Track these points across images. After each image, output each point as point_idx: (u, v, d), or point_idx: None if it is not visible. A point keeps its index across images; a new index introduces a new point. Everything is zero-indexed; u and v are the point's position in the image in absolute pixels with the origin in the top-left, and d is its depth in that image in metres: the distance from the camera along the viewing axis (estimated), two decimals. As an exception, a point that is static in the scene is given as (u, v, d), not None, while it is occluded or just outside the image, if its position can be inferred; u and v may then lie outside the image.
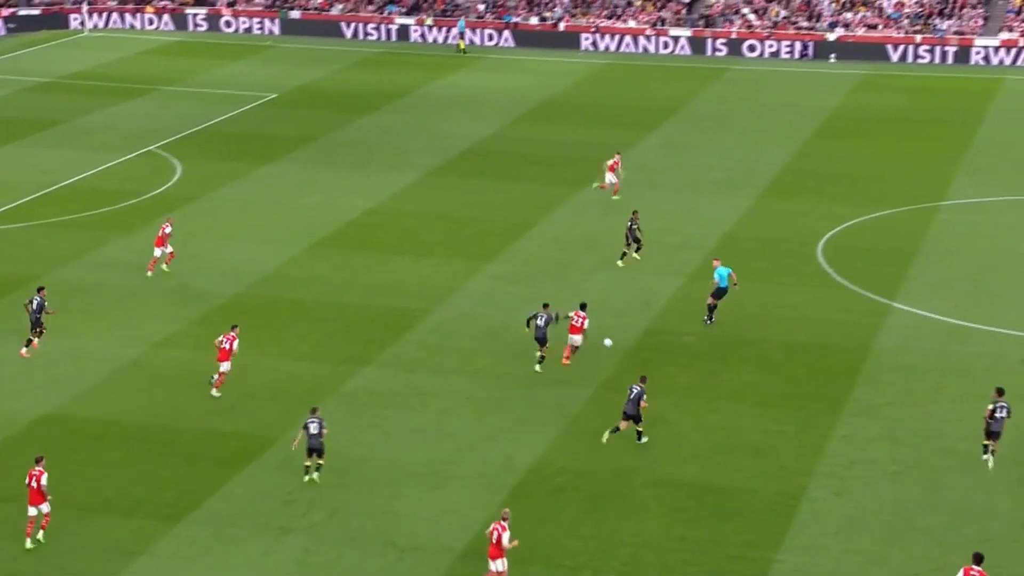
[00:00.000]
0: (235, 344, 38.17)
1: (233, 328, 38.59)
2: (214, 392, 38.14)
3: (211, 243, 51.11)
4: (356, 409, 37.90)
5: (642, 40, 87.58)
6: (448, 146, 64.37)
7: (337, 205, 55.51)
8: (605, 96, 75.48)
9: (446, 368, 40.46)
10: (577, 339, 39.77)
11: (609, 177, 55.62)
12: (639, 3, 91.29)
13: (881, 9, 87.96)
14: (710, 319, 43.14)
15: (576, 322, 39.65)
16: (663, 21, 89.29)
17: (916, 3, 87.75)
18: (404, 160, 61.95)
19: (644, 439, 35.52)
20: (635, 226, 48.38)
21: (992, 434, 34.15)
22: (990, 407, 34.15)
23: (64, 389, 39.11)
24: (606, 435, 35.55)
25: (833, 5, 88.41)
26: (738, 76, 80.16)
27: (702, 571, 30.17)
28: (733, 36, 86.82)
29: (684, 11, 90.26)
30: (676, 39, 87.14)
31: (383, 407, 38.05)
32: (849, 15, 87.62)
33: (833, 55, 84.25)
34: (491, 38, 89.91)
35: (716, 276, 43.07)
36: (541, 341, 39.65)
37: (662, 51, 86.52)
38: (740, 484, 33.78)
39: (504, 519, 29.25)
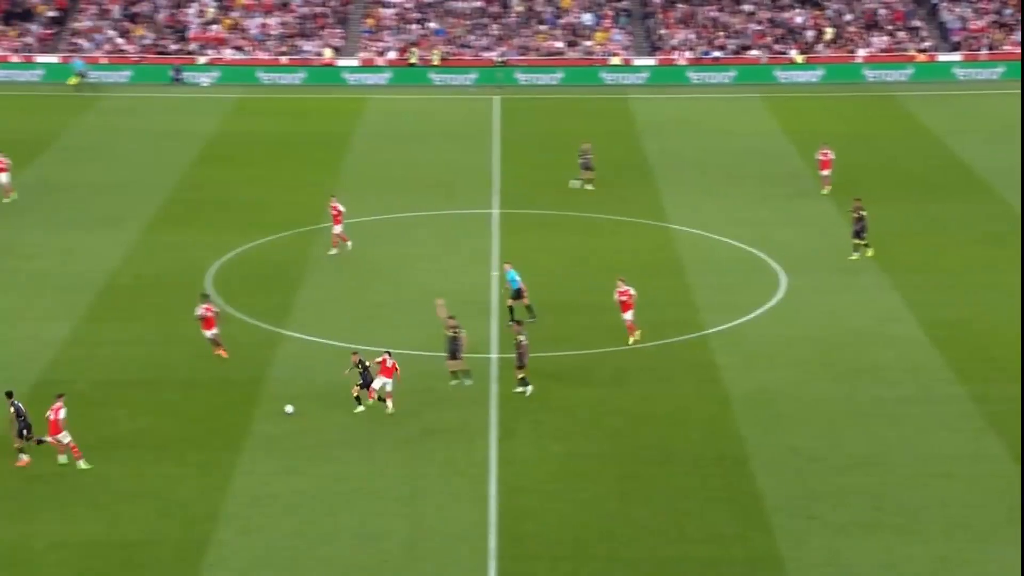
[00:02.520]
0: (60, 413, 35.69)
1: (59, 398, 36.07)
2: None
3: None
4: None
5: (7, 69, 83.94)
6: None
7: None
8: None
9: None
10: None
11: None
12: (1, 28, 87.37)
13: (246, 31, 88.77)
14: (531, 317, 44.94)
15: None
16: (29, 47, 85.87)
17: (280, 24, 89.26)
18: None
19: None
20: None
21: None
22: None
23: None
24: None
25: (201, 28, 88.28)
26: (112, 104, 78.40)
27: (113, 634, 29.25)
28: (104, 62, 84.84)
29: (52, 36, 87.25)
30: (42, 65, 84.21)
31: None
32: (216, 28, 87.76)
33: (205, 78, 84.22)
34: None
35: (508, 279, 44.91)
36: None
37: (30, 79, 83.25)
38: (145, 536, 32.93)
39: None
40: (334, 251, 52.33)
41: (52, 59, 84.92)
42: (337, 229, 52.50)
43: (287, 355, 43.69)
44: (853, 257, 52.05)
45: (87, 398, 40.07)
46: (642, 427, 38.83)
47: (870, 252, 52.16)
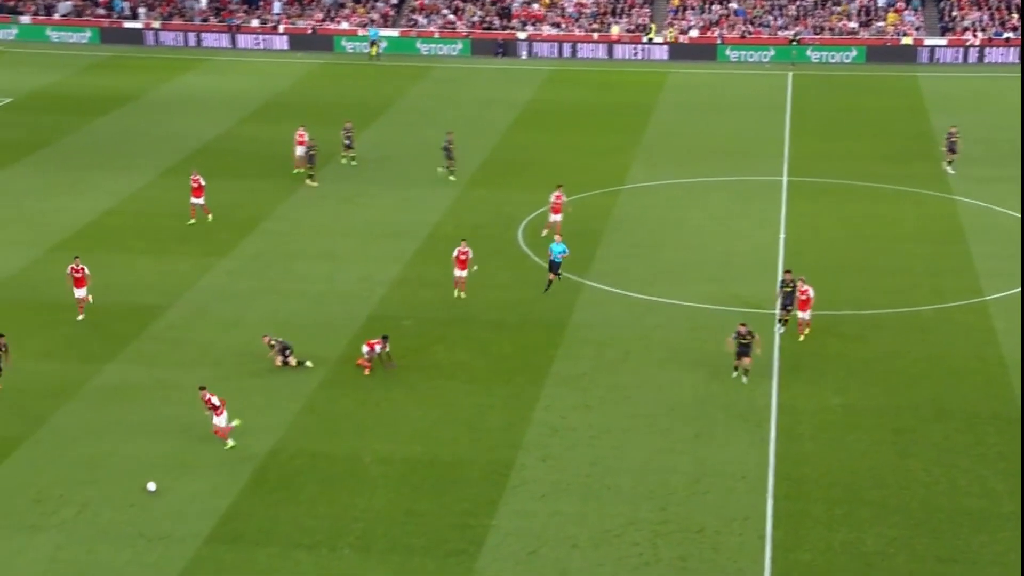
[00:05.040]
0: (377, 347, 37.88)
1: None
2: None
3: (-50, 247, 48.32)
4: (101, 405, 36.35)
5: (357, 41, 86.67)
6: (179, 147, 62.36)
7: (75, 207, 53.12)
8: (323, 94, 74.42)
9: (186, 361, 39.21)
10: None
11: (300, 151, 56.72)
12: (351, 5, 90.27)
13: (563, 9, 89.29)
14: (548, 288, 43.87)
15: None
16: (373, 22, 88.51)
17: (593, 3, 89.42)
18: (138, 161, 59.73)
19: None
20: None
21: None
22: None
23: None
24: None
25: (524, 6, 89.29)
26: (441, 74, 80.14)
27: (427, 541, 30.07)
28: (436, 35, 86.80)
29: (392, 12, 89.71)
30: (387, 39, 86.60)
31: (127, 402, 36.61)
32: (536, 6, 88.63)
33: (524, 52, 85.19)
34: (216, 40, 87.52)
35: (550, 250, 43.77)
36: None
37: (380, 49, 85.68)
38: (457, 457, 33.81)
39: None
40: (545, 232, 49.58)
41: (393, 33, 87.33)
42: (556, 218, 49.17)
43: (587, 302, 43.93)
44: None
45: (411, 333, 41.26)
46: (918, 385, 37.51)
47: None
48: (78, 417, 35.32)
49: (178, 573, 28.66)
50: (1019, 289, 44.24)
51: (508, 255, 48.12)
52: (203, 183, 50.77)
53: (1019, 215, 52.03)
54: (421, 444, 34.41)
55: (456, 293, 44.04)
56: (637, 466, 33.31)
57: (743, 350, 37.24)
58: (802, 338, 40.31)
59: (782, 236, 50.05)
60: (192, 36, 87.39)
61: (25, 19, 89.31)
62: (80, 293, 41.81)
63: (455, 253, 44.11)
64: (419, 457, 33.71)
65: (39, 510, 30.91)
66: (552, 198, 49.48)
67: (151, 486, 31.52)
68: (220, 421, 33.67)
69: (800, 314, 40.47)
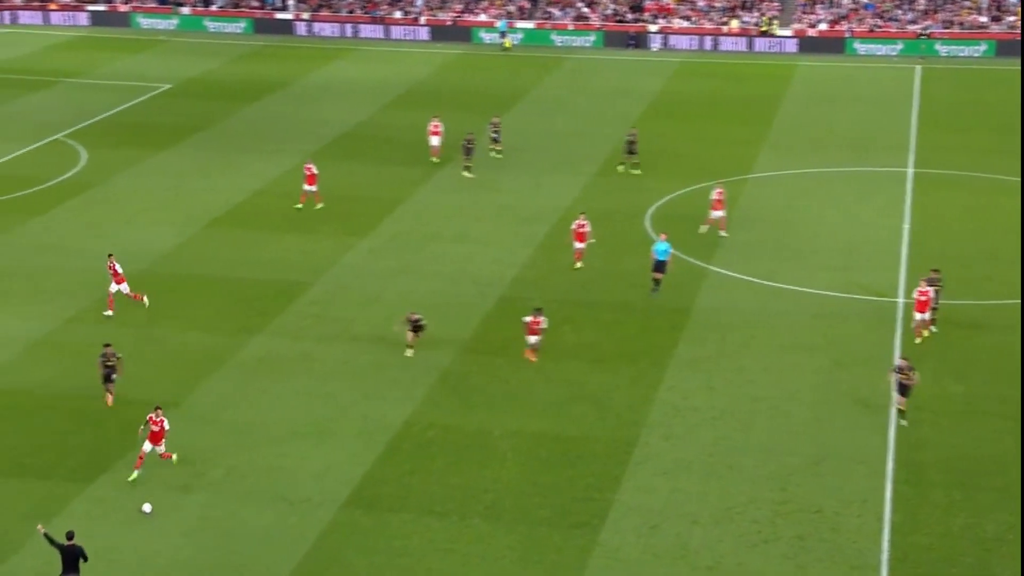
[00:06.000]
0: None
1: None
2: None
3: (114, 225, 49.67)
4: (248, 375, 37.16)
5: (495, 32, 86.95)
6: (325, 132, 63.29)
7: (228, 188, 54.29)
8: (461, 83, 74.85)
9: (328, 335, 39.85)
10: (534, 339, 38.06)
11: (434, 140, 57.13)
12: None
13: (695, 3, 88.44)
14: (656, 290, 42.38)
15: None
16: (509, 14, 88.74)
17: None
18: (287, 145, 60.76)
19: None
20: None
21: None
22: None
23: (-19, 364, 37.64)
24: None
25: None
26: (574, 65, 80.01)
27: (553, 512, 30.17)
28: (570, 28, 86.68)
29: (528, 5, 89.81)
30: (522, 31, 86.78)
31: (273, 372, 37.35)
32: (669, 1, 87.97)
33: (656, 44, 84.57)
34: (363, 31, 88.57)
35: (653, 250, 42.47)
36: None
37: (513, 41, 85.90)
38: (583, 433, 33.85)
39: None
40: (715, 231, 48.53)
41: (529, 24, 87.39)
42: (717, 214, 47.77)
43: (711, 288, 43.56)
44: None
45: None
46: (1040, 375, 36.46)
47: None
48: (227, 385, 36.15)
49: (317, 535, 29.19)
50: None
51: (635, 241, 47.90)
52: (316, 172, 51.31)
53: None
54: (549, 420, 34.50)
55: (575, 263, 44.08)
56: (758, 447, 32.98)
57: (902, 389, 33.68)
58: (919, 340, 38.71)
59: (906, 226, 49.00)
60: (339, 27, 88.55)
61: (185, 10, 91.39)
62: (116, 288, 40.74)
63: (573, 226, 44.65)
64: (546, 432, 33.82)
65: (190, 471, 31.73)
66: (713, 195, 48.30)
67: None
68: (160, 448, 31.41)
69: (919, 315, 38.73)
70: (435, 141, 57.87)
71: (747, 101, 70.27)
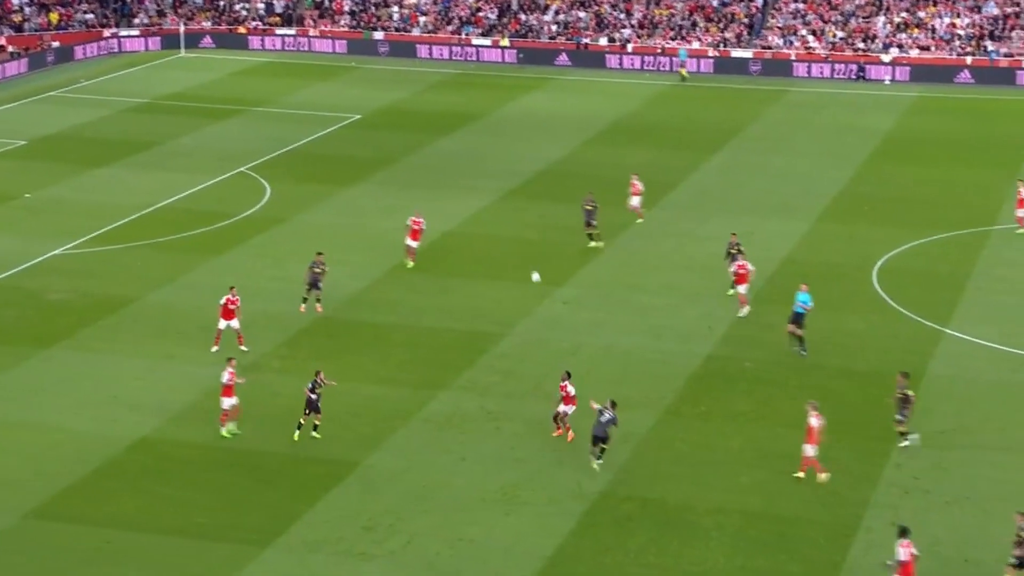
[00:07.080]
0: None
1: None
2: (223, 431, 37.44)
3: (297, 265, 51.02)
4: (433, 433, 37.67)
5: (704, 61, 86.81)
6: (521, 168, 64.03)
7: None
8: (670, 117, 74.87)
9: (518, 392, 40.16)
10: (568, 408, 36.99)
11: (635, 200, 55.05)
12: (703, 24, 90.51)
13: (934, 30, 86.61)
14: (802, 350, 41.83)
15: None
16: (725, 42, 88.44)
17: (968, 25, 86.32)
18: (479, 183, 61.67)
19: (600, 462, 34.99)
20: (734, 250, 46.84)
21: None
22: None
23: (156, 412, 38.89)
24: (595, 464, 35.12)
25: (888, 27, 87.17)
26: (796, 98, 79.16)
27: (762, 602, 29.75)
28: (792, 58, 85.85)
29: (745, 32, 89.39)
30: (740, 60, 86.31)
31: (458, 431, 37.79)
32: (903, 36, 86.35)
33: (887, 77, 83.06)
34: (564, 59, 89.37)
35: (797, 299, 42.13)
36: (599, 439, 35.17)
37: (724, 72, 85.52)
38: (798, 513, 33.24)
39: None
40: None
41: (747, 53, 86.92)
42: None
43: (947, 353, 42.40)
44: None
45: (751, 375, 40.90)
46: None
47: None
48: (410, 444, 36.73)
49: (502, 613, 29.32)
50: None
51: (862, 298, 46.99)
52: (424, 227, 50.41)
53: None
54: (759, 496, 34.00)
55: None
56: (1000, 540, 31.80)
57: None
58: None
59: None
60: (538, 53, 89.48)
61: (378, 35, 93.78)
62: (225, 324, 42.39)
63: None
64: (756, 510, 33.32)
65: (369, 538, 32.25)
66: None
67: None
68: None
69: None
70: (635, 202, 55.62)
71: (992, 141, 68.40)
